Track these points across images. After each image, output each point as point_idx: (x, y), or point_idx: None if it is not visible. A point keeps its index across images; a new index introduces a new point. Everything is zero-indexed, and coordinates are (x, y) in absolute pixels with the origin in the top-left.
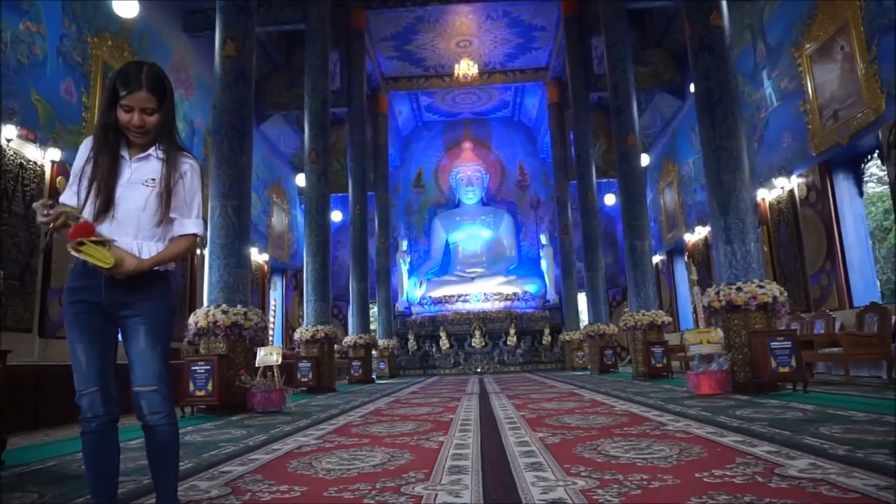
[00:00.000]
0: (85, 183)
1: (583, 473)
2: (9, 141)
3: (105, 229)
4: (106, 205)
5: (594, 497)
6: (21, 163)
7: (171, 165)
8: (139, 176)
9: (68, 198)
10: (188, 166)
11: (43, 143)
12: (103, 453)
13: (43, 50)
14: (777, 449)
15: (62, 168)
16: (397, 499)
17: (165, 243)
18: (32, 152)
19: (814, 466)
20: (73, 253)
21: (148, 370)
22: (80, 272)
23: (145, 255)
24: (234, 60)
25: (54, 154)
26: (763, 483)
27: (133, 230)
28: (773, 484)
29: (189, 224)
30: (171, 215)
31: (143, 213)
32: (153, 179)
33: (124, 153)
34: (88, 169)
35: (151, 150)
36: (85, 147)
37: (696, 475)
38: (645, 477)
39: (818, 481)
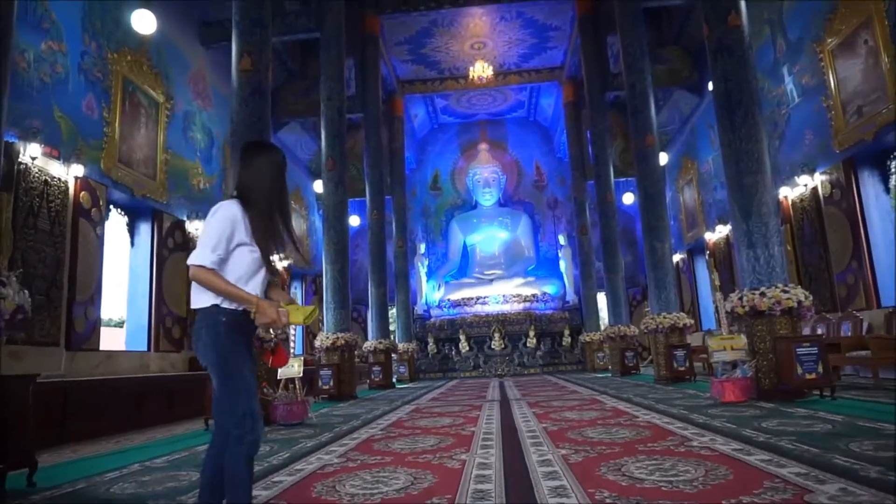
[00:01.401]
0: (235, 242)
1: (607, 500)
2: (34, 159)
3: (259, 281)
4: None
5: None
6: (46, 179)
7: None
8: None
9: (214, 257)
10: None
11: (66, 159)
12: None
13: (65, 67)
14: (806, 470)
15: (85, 183)
16: None
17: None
18: (56, 169)
19: (844, 492)
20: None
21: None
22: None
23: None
24: (250, 74)
25: (77, 170)
26: None
27: (262, 288)
28: None
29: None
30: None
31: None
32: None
33: None
34: (242, 232)
35: None
36: (228, 212)
37: (723, 503)
38: None
39: None
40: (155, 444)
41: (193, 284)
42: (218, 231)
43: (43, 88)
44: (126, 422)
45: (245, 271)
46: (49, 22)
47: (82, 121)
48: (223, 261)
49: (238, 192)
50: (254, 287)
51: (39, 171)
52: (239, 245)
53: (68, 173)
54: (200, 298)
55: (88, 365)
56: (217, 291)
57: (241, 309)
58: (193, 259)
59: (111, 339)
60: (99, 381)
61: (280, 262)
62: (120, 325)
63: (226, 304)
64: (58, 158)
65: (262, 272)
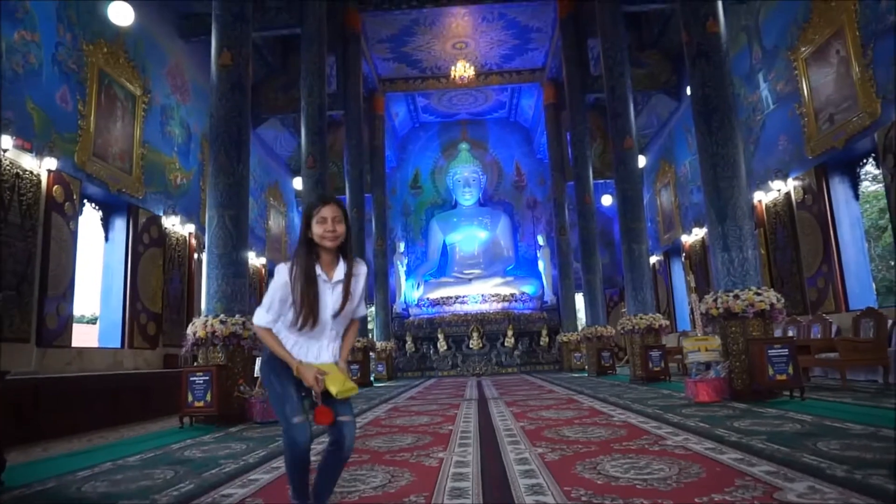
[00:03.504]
0: (289, 302)
1: (583, 498)
2: (5, 151)
3: (305, 337)
4: (315, 318)
5: None
6: (17, 172)
7: (351, 271)
8: (332, 286)
9: (269, 318)
10: (364, 268)
11: (39, 152)
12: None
13: (38, 58)
14: (776, 469)
15: (59, 177)
16: None
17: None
18: (29, 162)
19: (812, 490)
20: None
21: None
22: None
23: (330, 354)
24: (230, 70)
25: (50, 163)
26: None
27: (327, 334)
28: None
29: (360, 310)
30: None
31: (335, 317)
32: (340, 284)
33: (319, 271)
34: (291, 292)
35: (340, 262)
36: (279, 277)
37: (696, 501)
38: (645, 502)
39: None
40: (128, 442)
41: None
42: (272, 292)
43: (15, 79)
44: (99, 419)
45: (294, 324)
46: (22, 11)
47: (56, 113)
48: (277, 318)
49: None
50: (306, 339)
51: (11, 163)
52: (288, 304)
53: (41, 166)
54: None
55: (60, 362)
56: (268, 347)
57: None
58: (255, 320)
59: (84, 336)
60: (71, 378)
61: (257, 259)
62: (93, 321)
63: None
64: (30, 151)
65: (317, 329)
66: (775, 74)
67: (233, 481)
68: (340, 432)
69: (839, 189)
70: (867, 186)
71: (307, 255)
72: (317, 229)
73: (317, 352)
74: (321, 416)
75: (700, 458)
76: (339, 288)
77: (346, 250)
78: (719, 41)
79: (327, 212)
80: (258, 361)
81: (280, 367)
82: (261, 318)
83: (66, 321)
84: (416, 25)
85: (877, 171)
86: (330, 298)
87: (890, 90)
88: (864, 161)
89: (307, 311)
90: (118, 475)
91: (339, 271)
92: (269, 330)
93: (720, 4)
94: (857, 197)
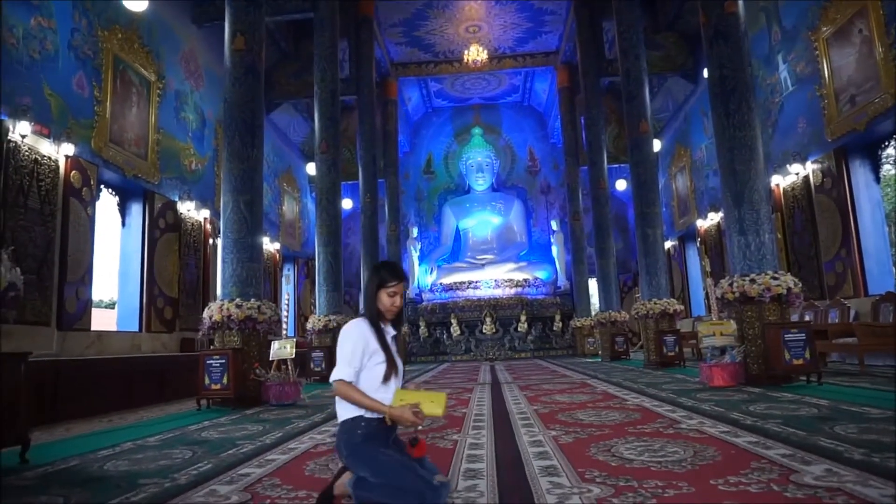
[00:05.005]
0: (366, 357)
1: (597, 479)
2: (23, 137)
3: (392, 386)
4: (396, 368)
5: None
6: (36, 158)
7: (400, 332)
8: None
9: (351, 371)
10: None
11: (56, 137)
12: None
13: (54, 45)
14: (792, 452)
15: (76, 162)
16: None
17: None
18: (47, 147)
19: (829, 473)
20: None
21: None
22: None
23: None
24: (243, 54)
25: (68, 149)
26: (779, 492)
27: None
28: (788, 494)
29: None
30: None
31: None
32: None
33: (385, 327)
34: (371, 345)
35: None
36: (356, 331)
37: (711, 482)
38: (660, 484)
39: (834, 491)
40: (147, 424)
41: (336, 399)
42: (349, 347)
43: (32, 65)
44: (117, 401)
45: (376, 378)
46: None
47: (73, 99)
48: (358, 373)
49: (364, 311)
50: (386, 392)
51: (29, 149)
52: (371, 355)
53: (58, 152)
54: (344, 411)
55: (80, 345)
56: (354, 403)
57: (379, 417)
58: (332, 376)
59: (103, 321)
60: (91, 361)
61: (271, 244)
62: (111, 306)
63: (367, 415)
64: (48, 137)
65: (392, 381)
66: (795, 55)
67: (250, 461)
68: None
69: (859, 172)
70: (888, 170)
71: (377, 319)
72: (385, 300)
73: (391, 402)
74: (419, 450)
75: (715, 441)
76: (394, 343)
77: (400, 319)
78: (738, 21)
79: (399, 289)
80: (273, 345)
81: (378, 439)
82: (343, 372)
83: (86, 305)
84: (428, 9)
85: None
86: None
87: None
88: (886, 143)
89: (392, 362)
90: (139, 454)
91: (390, 330)
92: (350, 383)
93: None
94: (877, 180)
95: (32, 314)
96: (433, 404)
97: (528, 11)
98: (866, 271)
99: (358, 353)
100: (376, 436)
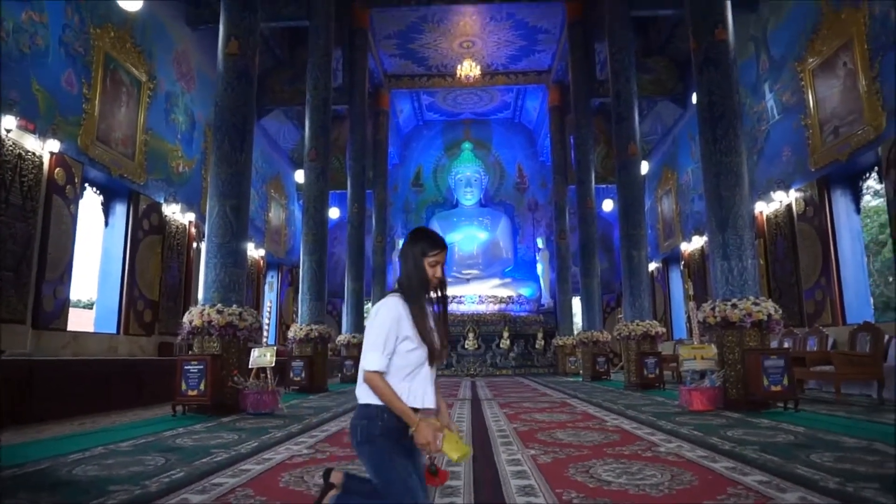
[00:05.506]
0: (400, 342)
1: (575, 501)
2: (8, 131)
3: (420, 381)
4: (445, 350)
5: None
6: (20, 153)
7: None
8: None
9: (385, 360)
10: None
11: (42, 133)
12: None
13: (45, 40)
14: (769, 479)
15: (61, 159)
16: None
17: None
18: (31, 143)
19: (804, 501)
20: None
21: None
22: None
23: (433, 398)
24: (236, 59)
25: (53, 145)
26: None
27: (433, 376)
28: None
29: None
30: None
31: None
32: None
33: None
34: (404, 328)
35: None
36: (389, 313)
37: None
38: None
39: None
40: (120, 428)
41: (359, 380)
42: (382, 331)
43: (21, 60)
44: (92, 404)
45: (407, 367)
46: None
47: (61, 95)
48: (390, 359)
49: (399, 284)
50: (419, 382)
51: (13, 143)
52: (403, 340)
53: (43, 148)
54: (368, 395)
55: (55, 345)
56: (384, 401)
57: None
58: (364, 365)
59: (80, 321)
60: (66, 362)
61: (255, 251)
62: (89, 306)
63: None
64: (33, 132)
65: (425, 369)
66: (781, 85)
67: (224, 471)
68: None
69: (841, 202)
70: (868, 201)
71: (421, 296)
72: (428, 272)
73: (422, 395)
74: (439, 479)
75: (693, 466)
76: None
77: (444, 292)
78: (727, 49)
79: (442, 258)
80: (253, 352)
81: (397, 437)
82: (375, 361)
83: (63, 305)
84: (423, 22)
85: (879, 186)
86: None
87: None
88: (867, 175)
89: (442, 343)
90: (109, 460)
91: (435, 307)
92: (382, 376)
93: (729, 12)
94: (858, 211)
95: (7, 312)
96: (456, 445)
97: (522, 29)
98: (845, 300)
99: (392, 338)
100: (397, 433)
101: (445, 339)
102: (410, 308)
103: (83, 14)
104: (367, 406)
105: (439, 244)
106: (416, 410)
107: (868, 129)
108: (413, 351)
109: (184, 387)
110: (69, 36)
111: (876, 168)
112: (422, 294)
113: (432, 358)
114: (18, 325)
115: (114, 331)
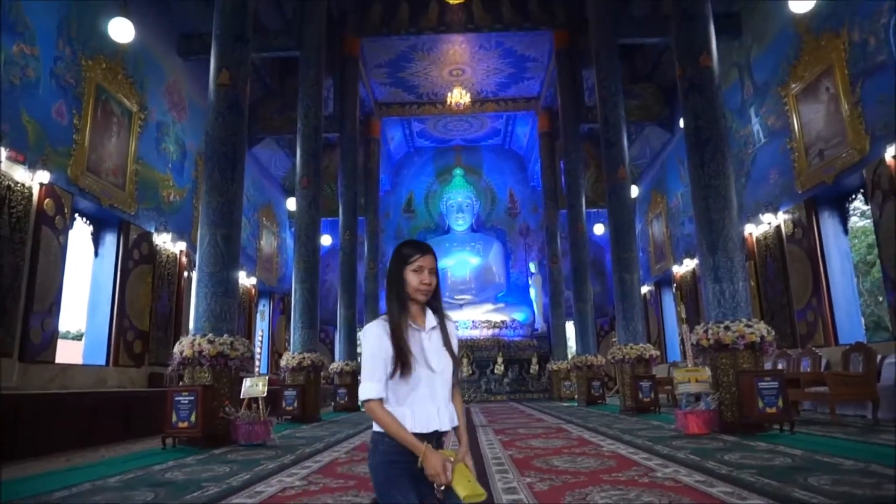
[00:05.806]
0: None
1: None
2: None
3: (420, 403)
4: (408, 365)
5: None
6: (8, 185)
7: (447, 325)
8: (428, 334)
9: (379, 386)
10: (454, 324)
11: (32, 164)
12: None
13: (36, 72)
14: (766, 503)
15: (50, 190)
16: None
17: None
18: (21, 174)
19: None
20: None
21: None
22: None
23: (448, 419)
24: (227, 89)
25: (43, 176)
26: None
27: (439, 395)
28: None
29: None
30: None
31: (441, 371)
32: (435, 330)
33: (409, 322)
34: (390, 350)
35: (428, 313)
36: (373, 335)
37: None
38: None
39: None
40: (109, 463)
41: None
42: (370, 356)
43: (11, 91)
44: (80, 438)
45: (404, 389)
46: (23, 25)
47: (51, 126)
48: (386, 385)
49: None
50: (421, 405)
51: (3, 175)
52: (392, 363)
53: (33, 179)
54: (374, 423)
55: (43, 378)
56: (385, 429)
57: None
58: (362, 395)
59: (69, 352)
60: (54, 396)
61: (247, 279)
62: (78, 337)
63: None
64: (23, 163)
65: (425, 388)
66: (766, 109)
67: None
68: None
69: (828, 223)
70: (856, 222)
71: (400, 309)
72: (412, 280)
73: (427, 418)
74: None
75: (690, 491)
76: (436, 334)
77: (438, 304)
78: (712, 75)
79: (426, 262)
80: (245, 382)
81: (401, 465)
82: (370, 390)
83: (51, 336)
84: (413, 51)
85: (865, 207)
86: (429, 345)
87: (878, 127)
88: (853, 196)
89: (404, 358)
90: (97, 496)
91: (431, 319)
92: (381, 404)
93: (714, 40)
94: (846, 232)
95: None
96: (466, 483)
97: (510, 57)
98: (836, 321)
99: (380, 362)
100: (401, 459)
101: (449, 349)
102: (391, 325)
103: (75, 46)
104: (374, 433)
105: (421, 248)
106: (425, 436)
107: (852, 151)
108: (402, 372)
109: (174, 418)
110: (60, 68)
111: (861, 190)
112: (401, 308)
113: (404, 369)
114: (5, 359)
115: (103, 362)
